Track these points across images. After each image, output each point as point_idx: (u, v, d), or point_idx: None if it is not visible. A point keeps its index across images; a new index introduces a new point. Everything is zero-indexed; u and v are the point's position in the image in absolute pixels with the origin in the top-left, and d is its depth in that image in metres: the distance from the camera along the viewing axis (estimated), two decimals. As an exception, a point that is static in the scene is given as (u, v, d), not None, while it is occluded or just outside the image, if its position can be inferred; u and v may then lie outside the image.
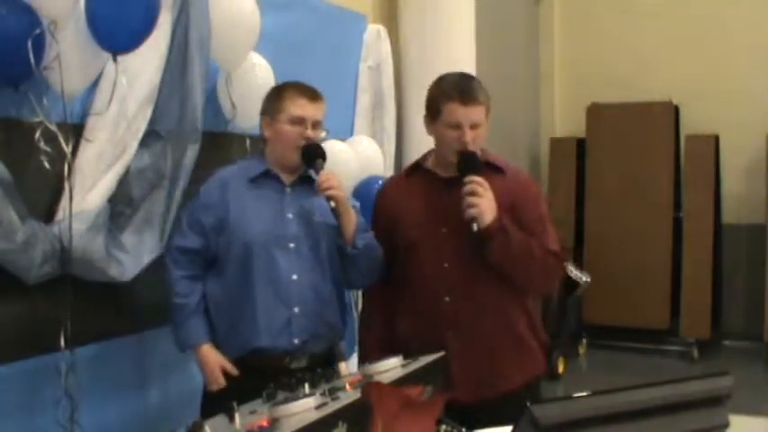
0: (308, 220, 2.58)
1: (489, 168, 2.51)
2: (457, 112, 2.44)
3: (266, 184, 2.59)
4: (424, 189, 2.58)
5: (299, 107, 2.54)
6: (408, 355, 1.92)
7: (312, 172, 2.57)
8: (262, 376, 2.28)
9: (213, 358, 2.53)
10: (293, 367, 2.49)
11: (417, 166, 2.66)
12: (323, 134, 2.62)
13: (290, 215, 2.57)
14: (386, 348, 2.57)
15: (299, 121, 2.54)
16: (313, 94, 2.59)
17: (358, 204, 2.70)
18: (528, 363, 2.58)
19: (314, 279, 2.56)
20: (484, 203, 2.36)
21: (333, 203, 2.50)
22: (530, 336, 2.59)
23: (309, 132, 2.54)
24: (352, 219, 2.56)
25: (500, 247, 2.41)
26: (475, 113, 2.45)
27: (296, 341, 2.53)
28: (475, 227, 2.36)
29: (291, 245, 2.54)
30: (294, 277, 2.53)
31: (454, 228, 2.45)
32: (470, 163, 2.44)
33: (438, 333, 2.47)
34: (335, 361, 2.58)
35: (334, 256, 2.60)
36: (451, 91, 2.46)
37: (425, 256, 2.52)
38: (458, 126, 2.44)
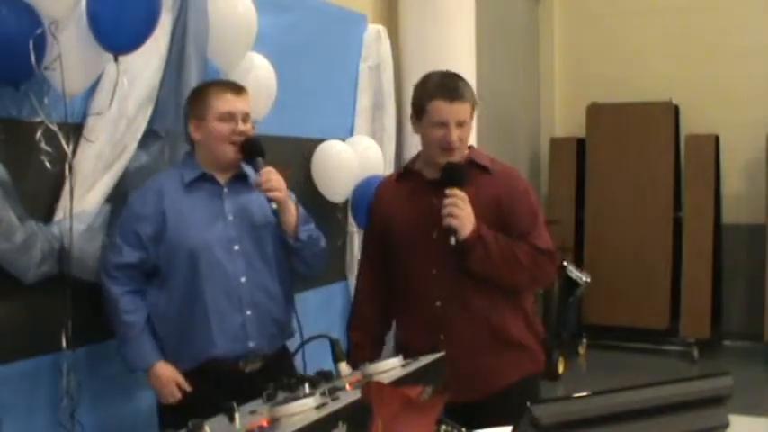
0: (249, 220, 2.53)
1: (475, 168, 2.50)
2: (442, 109, 2.41)
3: (202, 188, 2.52)
4: (413, 192, 2.55)
5: (226, 103, 2.48)
6: (407, 355, 1.92)
7: (251, 170, 2.53)
8: (216, 383, 2.30)
9: (168, 375, 2.47)
10: (248, 371, 2.48)
11: (406, 169, 2.65)
12: (253, 127, 2.55)
13: (230, 217, 2.51)
14: (378, 344, 2.62)
15: (229, 117, 2.47)
16: (237, 88, 2.54)
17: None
18: (523, 361, 2.54)
19: (262, 279, 2.52)
20: (462, 216, 2.35)
21: (274, 205, 2.47)
22: (525, 334, 2.56)
23: (241, 126, 2.48)
24: (293, 213, 2.53)
25: (480, 258, 2.40)
26: (460, 111, 2.42)
27: (251, 344, 2.49)
28: (453, 240, 2.36)
29: (236, 247, 2.49)
30: (243, 279, 2.48)
31: (443, 232, 2.41)
32: (452, 176, 2.41)
33: (431, 336, 2.45)
34: (287, 361, 2.56)
35: (279, 252, 2.56)
36: (436, 89, 2.44)
37: (415, 262, 2.52)
38: (443, 124, 2.42)
